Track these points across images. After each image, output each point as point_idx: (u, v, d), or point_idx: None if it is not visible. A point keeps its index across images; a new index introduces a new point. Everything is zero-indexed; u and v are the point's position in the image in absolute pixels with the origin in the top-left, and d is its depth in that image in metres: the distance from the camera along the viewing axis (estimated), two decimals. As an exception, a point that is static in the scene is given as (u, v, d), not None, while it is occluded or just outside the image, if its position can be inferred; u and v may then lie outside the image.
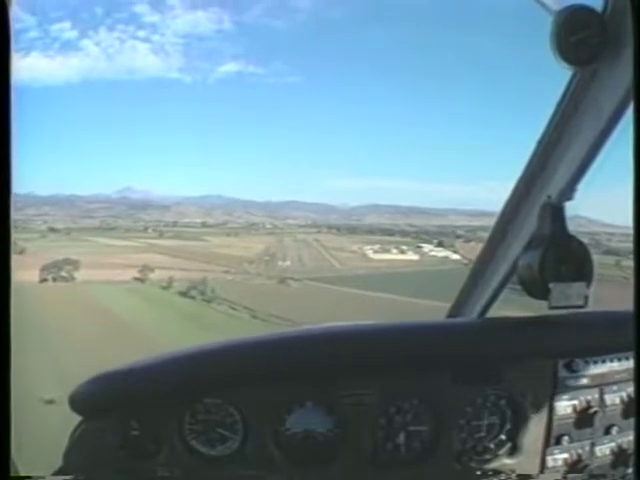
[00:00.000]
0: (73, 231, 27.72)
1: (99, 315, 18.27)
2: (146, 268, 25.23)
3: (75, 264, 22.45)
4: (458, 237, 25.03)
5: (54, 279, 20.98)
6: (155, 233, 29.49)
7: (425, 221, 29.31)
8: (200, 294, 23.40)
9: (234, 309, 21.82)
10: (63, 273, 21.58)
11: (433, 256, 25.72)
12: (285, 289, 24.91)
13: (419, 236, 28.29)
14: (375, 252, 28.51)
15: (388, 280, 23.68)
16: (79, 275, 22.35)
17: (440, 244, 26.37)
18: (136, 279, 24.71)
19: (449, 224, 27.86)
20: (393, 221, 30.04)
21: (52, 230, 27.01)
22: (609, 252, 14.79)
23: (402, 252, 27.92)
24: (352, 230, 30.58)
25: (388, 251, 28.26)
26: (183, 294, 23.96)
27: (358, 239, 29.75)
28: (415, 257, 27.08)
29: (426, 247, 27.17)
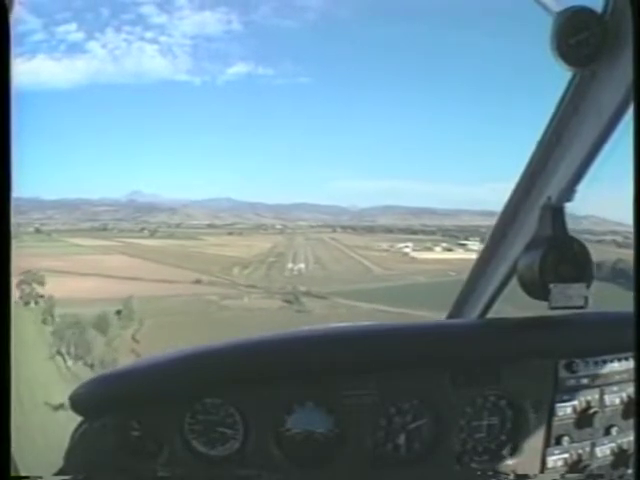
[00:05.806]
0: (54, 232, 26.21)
1: None
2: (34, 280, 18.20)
3: None
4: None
5: None
6: (147, 233, 28.27)
7: (439, 221, 27.71)
8: (67, 354, 11.42)
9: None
10: None
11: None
12: (298, 317, 12.89)
13: (448, 233, 24.94)
14: (415, 250, 23.11)
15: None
16: None
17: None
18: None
19: (467, 224, 25.66)
20: (406, 222, 28.65)
21: (38, 232, 26.02)
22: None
23: (449, 250, 22.26)
24: (370, 229, 28.54)
25: (430, 249, 23.07)
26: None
27: (381, 237, 26.42)
28: (471, 256, 21.10)
29: (471, 244, 21.68)
